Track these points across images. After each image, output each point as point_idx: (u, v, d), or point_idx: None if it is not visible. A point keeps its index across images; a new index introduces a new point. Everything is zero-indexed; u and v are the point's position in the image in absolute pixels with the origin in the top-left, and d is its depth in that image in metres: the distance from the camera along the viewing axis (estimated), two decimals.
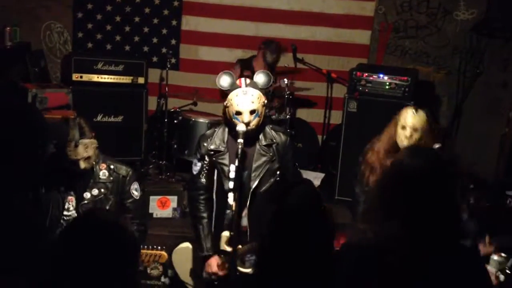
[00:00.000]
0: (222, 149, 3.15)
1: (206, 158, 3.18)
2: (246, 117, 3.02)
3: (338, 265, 1.83)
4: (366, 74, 5.49)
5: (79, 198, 3.18)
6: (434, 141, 3.25)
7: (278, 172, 3.17)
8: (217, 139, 3.17)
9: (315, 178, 5.67)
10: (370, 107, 5.41)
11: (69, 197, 3.18)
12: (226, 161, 3.13)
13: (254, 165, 3.12)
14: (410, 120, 3.23)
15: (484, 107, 6.32)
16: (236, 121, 3.05)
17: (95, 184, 3.21)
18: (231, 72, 3.15)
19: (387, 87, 5.44)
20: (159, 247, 3.20)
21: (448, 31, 6.44)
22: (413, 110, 3.25)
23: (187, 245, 3.43)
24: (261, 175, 3.12)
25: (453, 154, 3.12)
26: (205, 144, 3.18)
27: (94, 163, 3.20)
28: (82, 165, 3.12)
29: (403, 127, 3.24)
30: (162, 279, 4.34)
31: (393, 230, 1.87)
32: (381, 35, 6.56)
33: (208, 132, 3.26)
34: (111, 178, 3.24)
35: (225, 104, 3.11)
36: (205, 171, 3.19)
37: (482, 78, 6.20)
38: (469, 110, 6.22)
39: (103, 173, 3.23)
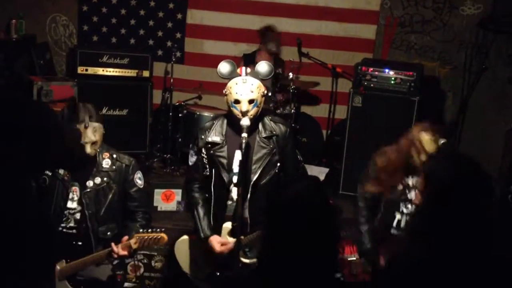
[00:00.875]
0: (221, 141, 3.14)
1: (204, 151, 3.18)
2: (244, 106, 3.00)
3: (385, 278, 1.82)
4: (372, 69, 5.48)
5: (82, 187, 3.20)
6: None
7: (278, 164, 3.16)
8: (216, 132, 3.16)
9: (320, 173, 5.67)
10: (375, 102, 5.40)
11: (73, 188, 3.20)
12: (224, 154, 3.13)
13: (255, 158, 3.11)
14: (430, 148, 3.12)
15: (489, 102, 6.30)
16: (234, 109, 3.04)
17: (98, 173, 3.23)
18: (232, 61, 3.14)
19: (392, 82, 5.43)
20: (158, 229, 3.19)
21: (454, 26, 6.41)
22: (432, 138, 3.11)
23: (187, 237, 3.44)
24: (261, 168, 3.11)
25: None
26: (203, 137, 3.17)
27: (98, 151, 3.23)
28: (88, 149, 3.14)
29: (420, 153, 3.15)
30: (166, 272, 4.38)
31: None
32: (387, 29, 6.54)
33: (207, 124, 3.24)
34: (114, 167, 3.26)
35: (224, 91, 3.10)
36: (202, 164, 3.20)
37: (488, 73, 6.16)
38: (474, 105, 6.19)
39: (106, 162, 3.25)
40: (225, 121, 3.18)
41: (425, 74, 5.84)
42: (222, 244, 3.14)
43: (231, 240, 3.14)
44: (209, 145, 3.15)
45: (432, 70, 6.45)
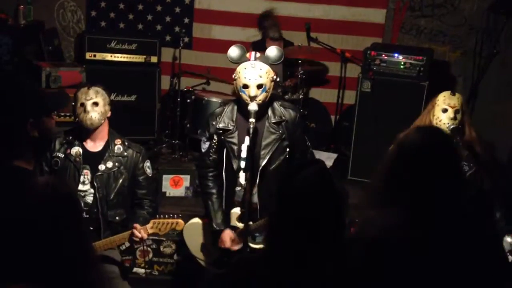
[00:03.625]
0: (231, 127, 3.14)
1: (215, 137, 3.18)
2: (253, 91, 2.98)
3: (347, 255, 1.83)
4: (381, 54, 5.44)
5: (94, 170, 3.25)
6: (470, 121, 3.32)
7: (287, 150, 3.15)
8: (226, 118, 3.15)
9: (328, 158, 5.66)
10: (384, 87, 5.37)
11: (85, 171, 3.25)
12: (235, 140, 3.13)
13: (264, 143, 3.10)
14: (451, 101, 3.24)
15: (500, 87, 6.24)
16: (243, 94, 3.02)
17: (110, 158, 3.29)
18: (242, 46, 3.12)
19: (401, 66, 5.39)
20: (175, 215, 3.23)
21: (464, 10, 6.33)
22: (450, 92, 3.29)
23: (197, 220, 3.47)
24: (270, 153, 3.10)
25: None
26: (214, 123, 3.17)
27: (110, 138, 3.29)
28: (93, 114, 3.18)
29: (445, 110, 3.23)
30: (175, 257, 4.40)
31: (398, 214, 1.87)
32: (396, 14, 6.47)
33: (217, 110, 3.23)
34: (125, 153, 3.33)
35: (233, 76, 3.08)
36: (214, 150, 3.20)
37: (499, 57, 6.08)
38: (485, 90, 6.13)
39: (118, 148, 3.32)
40: (235, 107, 3.18)
41: (435, 58, 5.79)
42: (232, 241, 3.17)
43: (240, 225, 3.15)
44: (220, 131, 3.15)
45: (442, 54, 6.39)
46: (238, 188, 3.12)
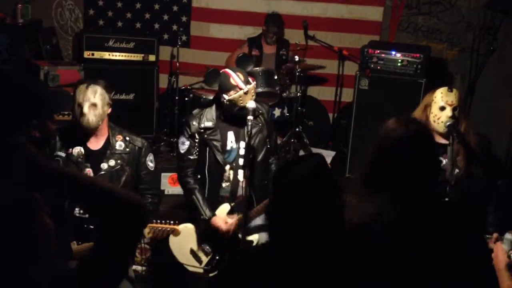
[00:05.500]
0: (213, 126, 3.30)
1: (196, 136, 3.32)
2: (249, 101, 3.19)
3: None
4: (378, 51, 5.45)
5: (97, 169, 3.21)
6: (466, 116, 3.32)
7: (267, 140, 3.38)
8: (207, 117, 3.32)
9: (326, 156, 5.61)
10: (381, 84, 5.39)
11: (87, 170, 3.21)
12: (218, 137, 3.30)
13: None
14: (449, 98, 3.21)
15: (497, 85, 6.25)
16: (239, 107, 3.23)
17: (112, 155, 3.24)
18: (245, 74, 3.26)
19: (399, 64, 5.40)
20: (171, 222, 3.25)
21: (462, 8, 6.35)
22: (447, 88, 3.26)
23: (182, 226, 3.43)
24: (254, 145, 3.25)
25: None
26: (195, 123, 3.32)
27: (110, 135, 3.24)
28: (90, 117, 3.09)
29: (443, 108, 3.21)
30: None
31: (381, 202, 1.94)
32: (394, 11, 6.49)
33: (195, 111, 3.41)
34: (127, 149, 3.29)
35: (227, 97, 3.19)
36: (194, 149, 3.33)
37: (496, 55, 6.11)
38: (482, 87, 6.15)
39: (119, 145, 3.27)
40: (214, 107, 3.34)
41: (432, 56, 5.80)
42: (226, 222, 3.25)
43: (230, 220, 3.22)
44: (202, 130, 3.30)
45: (439, 52, 6.41)
46: (225, 184, 3.26)
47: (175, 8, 6.51)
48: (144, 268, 4.35)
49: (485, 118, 6.22)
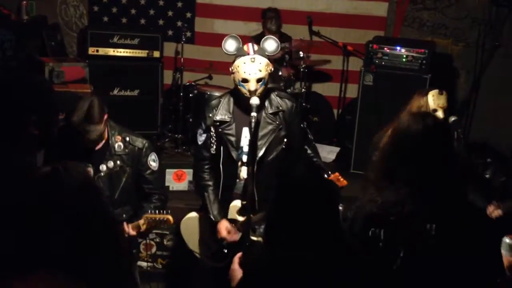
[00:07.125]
0: (228, 119, 3.11)
1: (212, 129, 3.15)
2: (252, 85, 2.97)
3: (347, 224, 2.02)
4: (383, 47, 5.44)
5: (96, 171, 3.19)
6: None
7: (285, 140, 3.14)
8: (223, 110, 3.13)
9: (331, 152, 5.68)
10: (386, 80, 5.37)
11: (88, 168, 3.18)
12: (232, 131, 3.11)
13: (261, 134, 3.07)
14: (440, 101, 3.34)
15: (503, 80, 6.23)
16: (242, 88, 3.01)
17: (111, 157, 3.21)
18: (237, 36, 3.11)
19: (404, 59, 5.39)
20: (164, 212, 3.21)
21: (467, 3, 6.32)
22: (438, 91, 3.36)
23: (194, 214, 3.45)
24: (267, 144, 3.08)
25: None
26: (210, 115, 3.14)
27: (109, 135, 3.21)
28: (88, 143, 3.08)
29: (435, 111, 3.31)
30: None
31: (397, 194, 2.04)
32: (399, 7, 6.47)
33: (214, 102, 3.19)
34: (127, 150, 3.24)
35: (230, 69, 3.07)
36: (211, 142, 3.17)
37: (501, 50, 6.09)
38: (487, 83, 6.13)
39: (118, 146, 3.22)
40: (232, 98, 3.16)
41: (437, 51, 5.78)
42: (229, 232, 3.16)
43: (240, 218, 3.16)
44: (217, 123, 3.13)
45: (444, 47, 6.38)
46: (238, 180, 3.12)
47: (179, 4, 6.51)
48: (149, 264, 4.37)
49: (490, 113, 6.20)
